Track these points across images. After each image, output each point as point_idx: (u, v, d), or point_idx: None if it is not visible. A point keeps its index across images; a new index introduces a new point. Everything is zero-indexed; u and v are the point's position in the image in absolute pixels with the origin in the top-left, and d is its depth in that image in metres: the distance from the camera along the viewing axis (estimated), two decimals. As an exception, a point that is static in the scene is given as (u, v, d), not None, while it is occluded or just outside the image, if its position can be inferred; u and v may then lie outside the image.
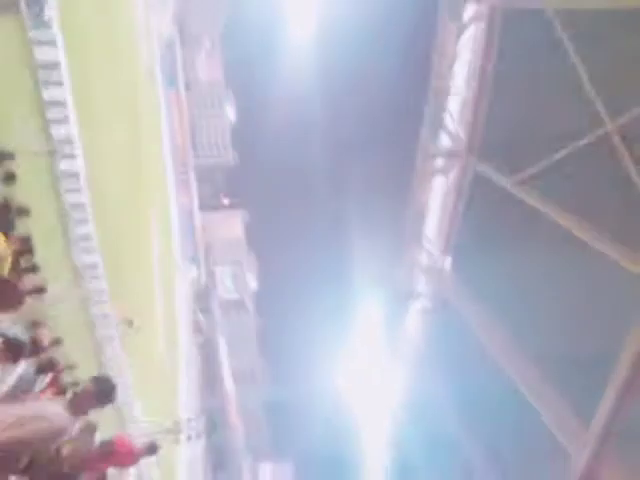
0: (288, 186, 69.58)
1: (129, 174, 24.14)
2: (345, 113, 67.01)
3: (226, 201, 73.91)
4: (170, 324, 34.47)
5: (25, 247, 5.31)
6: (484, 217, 13.60)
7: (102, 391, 3.55)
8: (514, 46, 13.16)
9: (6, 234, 5.05)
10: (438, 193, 15.13)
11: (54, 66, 11.07)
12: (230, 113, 77.08)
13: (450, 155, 14.57)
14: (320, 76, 68.77)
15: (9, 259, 5.04)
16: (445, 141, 14.82)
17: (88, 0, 17.29)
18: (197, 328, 58.10)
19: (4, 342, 4.24)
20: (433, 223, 15.54)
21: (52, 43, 10.92)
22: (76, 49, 12.71)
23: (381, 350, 21.56)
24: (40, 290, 5.42)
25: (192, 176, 62.94)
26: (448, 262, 15.21)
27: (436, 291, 16.05)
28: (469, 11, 14.04)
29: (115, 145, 20.36)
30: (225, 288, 69.91)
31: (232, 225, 72.95)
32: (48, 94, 10.87)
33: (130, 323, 16.88)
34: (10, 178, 5.48)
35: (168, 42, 58.84)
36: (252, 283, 72.29)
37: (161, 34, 53.62)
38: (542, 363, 10.72)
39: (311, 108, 69.06)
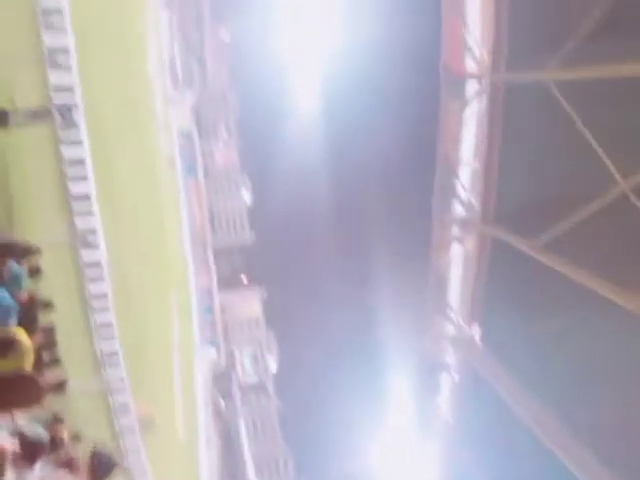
0: (305, 263, 70.14)
1: (151, 259, 24.65)
2: (358, 188, 68.94)
3: (244, 279, 74.36)
4: (190, 410, 33.38)
5: (48, 340, 5.32)
6: (506, 284, 13.39)
7: (101, 464, 3.41)
8: (518, 117, 13.62)
9: (30, 329, 5.09)
10: (457, 261, 15.03)
11: (80, 162, 11.79)
12: (246, 196, 79.97)
13: (465, 223, 14.66)
14: (331, 154, 71.57)
15: (32, 354, 5.03)
16: (459, 210, 14.99)
17: (113, 102, 18.67)
18: (217, 413, 56.10)
19: (22, 442, 4.11)
20: (455, 292, 15.29)
21: (78, 142, 11.71)
22: (100, 146, 13.53)
23: (412, 428, 20.41)
24: (62, 385, 5.34)
25: (211, 256, 63.98)
26: (474, 331, 14.78)
27: (464, 362, 15.44)
28: (470, 87, 14.77)
29: (137, 232, 21.00)
30: (245, 371, 68.33)
31: (250, 304, 72.81)
32: (74, 188, 11.41)
33: (151, 421, 16.33)
34: (36, 273, 5.62)
35: (187, 133, 62.52)
36: (272, 365, 70.65)
37: (180, 126, 57.14)
38: (581, 432, 10.02)
39: (323, 186, 71.31)
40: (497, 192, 13.90)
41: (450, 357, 16.25)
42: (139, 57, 30.11)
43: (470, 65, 15.67)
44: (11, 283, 5.02)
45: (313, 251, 70.39)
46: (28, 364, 4.94)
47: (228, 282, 69.99)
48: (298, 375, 67.90)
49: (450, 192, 14.80)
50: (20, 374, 4.83)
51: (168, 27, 55.81)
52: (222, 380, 60.93)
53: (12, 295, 5.06)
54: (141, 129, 27.37)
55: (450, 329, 15.83)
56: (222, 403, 57.90)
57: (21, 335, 4.52)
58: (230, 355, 66.57)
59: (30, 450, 4.04)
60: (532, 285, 12.01)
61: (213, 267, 63.80)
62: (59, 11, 11.38)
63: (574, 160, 10.52)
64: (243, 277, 73.45)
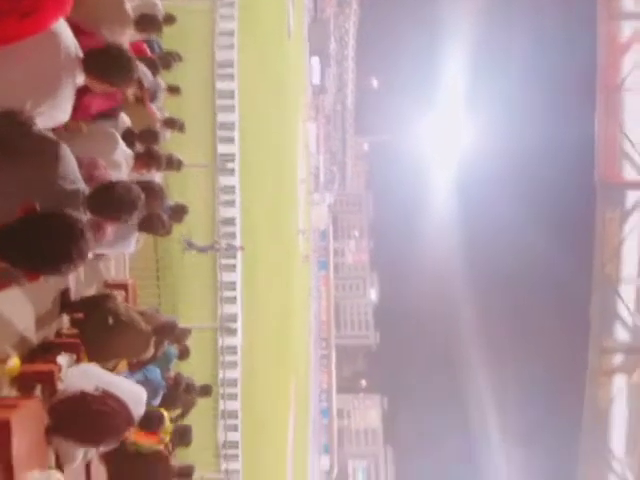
0: (434, 372, 65.48)
1: (276, 350, 25.27)
2: (494, 299, 64.48)
3: (364, 383, 71.64)
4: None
5: (183, 436, 5.44)
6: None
7: None
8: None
9: (169, 410, 5.28)
10: (622, 396, 12.50)
11: (232, 251, 12.99)
12: (373, 294, 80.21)
13: (631, 351, 12.42)
14: (467, 262, 69.16)
15: (169, 435, 5.18)
16: (622, 334, 12.85)
17: (264, 212, 20.68)
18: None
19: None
20: (620, 435, 12.49)
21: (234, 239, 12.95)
22: (249, 245, 14.80)
23: None
24: (189, 471, 5.34)
25: (333, 355, 63.59)
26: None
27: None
28: (632, 197, 13.42)
29: (269, 322, 21.91)
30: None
31: (368, 412, 69.22)
32: (224, 278, 12.29)
33: None
34: (185, 355, 5.95)
35: (323, 231, 66.44)
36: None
37: (317, 224, 61.03)
38: None
39: (456, 293, 68.31)
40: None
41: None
42: (290, 167, 33.66)
43: (630, 173, 14.41)
44: (162, 362, 5.35)
45: (443, 360, 65.61)
46: (164, 444, 5.07)
47: (347, 385, 67.86)
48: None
49: (611, 313, 12.87)
50: (157, 453, 4.95)
51: (315, 138, 62.09)
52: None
53: (161, 374, 5.39)
54: (284, 231, 29.75)
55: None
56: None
57: (164, 414, 4.69)
58: (343, 466, 62.49)
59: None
60: None
61: (334, 367, 63.03)
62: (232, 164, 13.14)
63: None
64: (363, 382, 70.84)
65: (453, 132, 71.23)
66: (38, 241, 1.61)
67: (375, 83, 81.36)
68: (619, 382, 13.02)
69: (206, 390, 5.73)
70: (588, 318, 13.27)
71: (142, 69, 3.52)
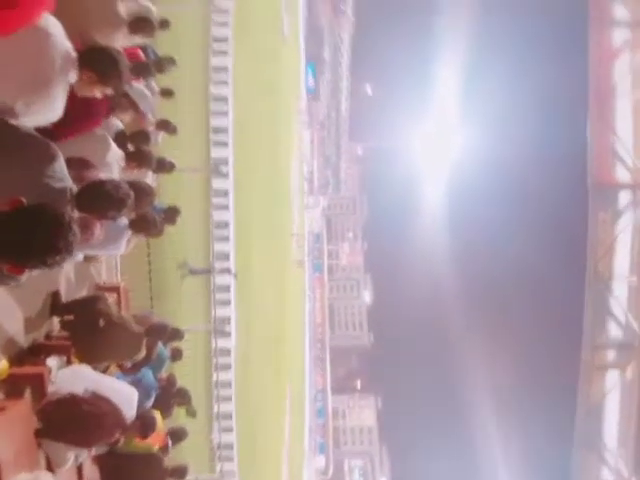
0: (428, 374, 65.53)
1: (271, 351, 25.24)
2: (489, 299, 64.67)
3: (359, 384, 71.65)
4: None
5: (177, 437, 5.41)
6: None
7: None
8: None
9: (163, 411, 5.26)
10: (615, 391, 12.64)
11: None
12: (367, 296, 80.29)
13: (623, 347, 12.56)
14: (460, 262, 69.32)
15: (162, 436, 5.15)
16: (615, 331, 12.99)
17: (258, 218, 20.65)
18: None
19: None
20: (613, 429, 12.64)
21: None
22: (244, 257, 14.80)
23: None
24: (183, 471, 5.31)
25: (327, 356, 63.52)
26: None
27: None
28: (624, 197, 13.56)
29: (262, 325, 21.88)
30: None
31: (364, 411, 69.24)
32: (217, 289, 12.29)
33: None
34: (177, 356, 5.92)
35: (317, 233, 66.44)
36: (384, 484, 64.28)
37: (311, 227, 61.01)
38: None
39: (450, 294, 68.44)
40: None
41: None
42: (283, 172, 33.66)
43: (622, 175, 14.58)
44: (155, 364, 5.32)
45: (436, 360, 65.77)
46: (158, 445, 5.05)
47: (342, 386, 67.86)
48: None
49: (604, 310, 12.99)
50: (150, 455, 4.92)
51: (309, 143, 62.05)
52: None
53: (154, 376, 5.36)
54: (278, 234, 29.75)
55: (606, 475, 12.87)
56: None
57: (158, 416, 4.66)
58: (339, 466, 62.44)
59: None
60: None
61: (329, 367, 62.94)
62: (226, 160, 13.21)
63: None
64: (358, 382, 70.87)
65: (446, 138, 71.45)
66: (24, 233, 1.59)
67: (369, 90, 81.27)
68: (612, 377, 13.14)
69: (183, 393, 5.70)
70: (581, 316, 13.40)
71: (138, 91, 3.52)
